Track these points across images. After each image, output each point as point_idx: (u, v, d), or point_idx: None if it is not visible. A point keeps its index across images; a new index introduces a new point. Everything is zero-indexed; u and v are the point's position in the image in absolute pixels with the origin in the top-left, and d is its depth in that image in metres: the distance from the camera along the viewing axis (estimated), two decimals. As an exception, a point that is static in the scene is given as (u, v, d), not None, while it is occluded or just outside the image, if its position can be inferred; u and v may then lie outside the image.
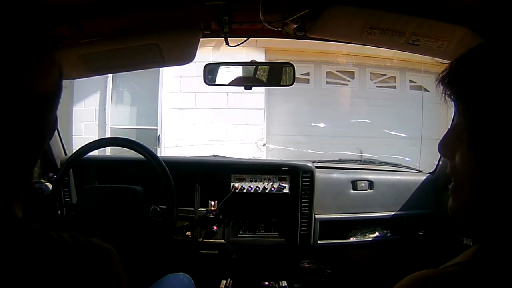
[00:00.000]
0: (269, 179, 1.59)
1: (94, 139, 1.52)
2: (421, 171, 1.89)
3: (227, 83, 1.48)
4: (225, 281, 1.62)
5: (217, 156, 1.91)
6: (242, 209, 1.60)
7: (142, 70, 1.59)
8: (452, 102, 0.46)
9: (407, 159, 3.75)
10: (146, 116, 5.00)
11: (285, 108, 4.92)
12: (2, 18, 0.47)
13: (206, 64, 1.38)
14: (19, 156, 0.49)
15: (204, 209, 1.58)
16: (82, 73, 1.30)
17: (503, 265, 0.40)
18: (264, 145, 4.89)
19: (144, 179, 1.51)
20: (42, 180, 1.69)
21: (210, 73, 1.39)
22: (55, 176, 1.55)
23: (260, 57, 4.50)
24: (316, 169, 1.61)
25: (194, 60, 1.26)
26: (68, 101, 4.74)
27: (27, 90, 0.47)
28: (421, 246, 1.64)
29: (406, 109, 4.82)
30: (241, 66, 1.47)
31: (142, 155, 1.42)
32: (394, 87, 5.16)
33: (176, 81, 4.91)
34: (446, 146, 0.48)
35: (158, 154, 1.48)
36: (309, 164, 1.61)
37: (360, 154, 4.56)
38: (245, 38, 1.24)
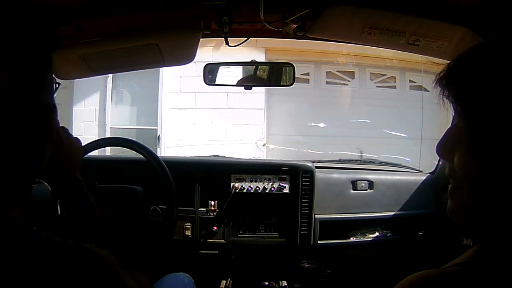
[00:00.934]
0: (269, 179, 1.59)
1: (94, 139, 1.52)
2: (421, 171, 1.89)
3: (227, 83, 1.48)
4: (225, 281, 1.62)
5: (217, 156, 1.91)
6: (242, 209, 1.60)
7: (142, 70, 1.59)
8: (451, 104, 0.46)
9: (407, 159, 3.75)
10: (146, 116, 5.00)
11: (285, 108, 4.92)
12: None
13: (206, 64, 1.38)
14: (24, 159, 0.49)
15: (204, 209, 1.58)
16: (82, 73, 1.30)
17: (503, 265, 0.40)
18: (264, 145, 4.89)
19: (144, 179, 1.51)
20: (42, 180, 1.69)
21: (210, 73, 1.39)
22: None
23: (260, 57, 4.49)
24: (316, 169, 1.61)
25: (194, 60, 1.26)
26: (68, 101, 4.74)
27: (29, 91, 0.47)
28: (421, 246, 1.64)
29: (406, 109, 4.82)
30: (241, 66, 1.47)
31: (142, 155, 1.42)
32: (394, 87, 5.16)
33: (176, 81, 4.91)
34: (444, 148, 0.48)
35: (158, 154, 1.48)
36: (309, 164, 1.61)
37: (360, 154, 4.56)
38: (245, 38, 1.23)
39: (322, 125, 4.94)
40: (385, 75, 5.12)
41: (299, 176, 1.58)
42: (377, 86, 5.14)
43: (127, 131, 4.82)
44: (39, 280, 0.43)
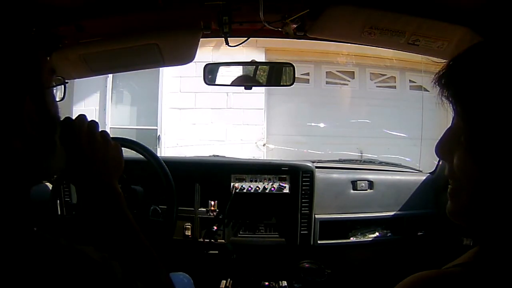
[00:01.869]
0: (269, 179, 1.59)
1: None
2: (421, 171, 1.89)
3: (227, 83, 1.48)
4: (225, 281, 1.62)
5: (217, 156, 1.91)
6: (242, 209, 1.60)
7: (142, 70, 1.59)
8: (450, 104, 0.45)
9: (407, 159, 3.75)
10: (146, 116, 5.00)
11: (285, 108, 4.92)
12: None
13: (206, 64, 1.38)
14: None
15: (204, 209, 1.58)
16: (82, 73, 1.30)
17: (503, 266, 0.40)
18: (264, 145, 4.89)
19: (144, 179, 1.50)
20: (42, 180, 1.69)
21: (210, 73, 1.39)
22: (55, 176, 1.55)
23: (260, 57, 4.49)
24: (316, 169, 1.61)
25: (194, 60, 1.26)
26: (68, 101, 4.74)
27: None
28: (421, 246, 1.64)
29: (406, 109, 4.82)
30: (241, 66, 1.47)
31: (142, 155, 1.42)
32: (394, 87, 5.16)
33: (176, 81, 4.91)
34: (444, 148, 0.48)
35: (158, 154, 1.48)
36: (309, 164, 1.61)
37: (360, 154, 4.56)
38: (245, 38, 1.23)
39: (322, 125, 4.94)
40: (385, 75, 5.12)
41: (299, 176, 1.58)
42: (377, 86, 5.14)
43: (127, 131, 4.82)
44: (39, 281, 0.43)
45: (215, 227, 1.56)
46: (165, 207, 1.41)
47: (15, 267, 0.42)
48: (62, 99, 0.60)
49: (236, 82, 1.50)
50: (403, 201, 1.66)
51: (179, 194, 1.41)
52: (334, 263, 1.65)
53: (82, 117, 0.66)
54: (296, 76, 1.41)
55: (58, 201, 1.52)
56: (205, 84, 1.39)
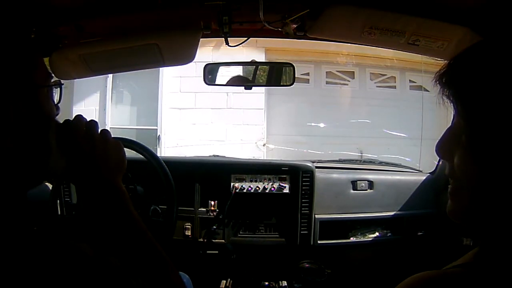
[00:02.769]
0: (269, 179, 1.59)
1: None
2: (421, 171, 1.89)
3: (227, 83, 1.48)
4: (225, 281, 1.62)
5: (217, 156, 1.91)
6: (242, 209, 1.60)
7: (142, 70, 1.59)
8: (450, 103, 0.45)
9: (407, 159, 3.75)
10: (146, 116, 5.00)
11: (285, 108, 4.92)
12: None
13: (206, 64, 1.38)
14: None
15: (204, 209, 1.58)
16: (82, 73, 1.30)
17: (504, 267, 0.40)
18: (264, 145, 4.89)
19: (144, 179, 1.51)
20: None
21: (210, 73, 1.39)
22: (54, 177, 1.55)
23: (260, 57, 4.49)
24: (316, 169, 1.61)
25: (194, 60, 1.26)
26: (68, 101, 4.74)
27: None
28: (421, 246, 1.64)
29: (406, 109, 4.82)
30: (241, 66, 1.47)
31: (142, 155, 1.42)
32: (394, 87, 5.16)
33: (176, 81, 4.91)
34: (444, 148, 0.47)
35: (158, 154, 1.48)
36: (309, 164, 1.61)
37: (360, 154, 4.56)
38: (245, 38, 1.23)
39: (322, 125, 4.94)
40: (385, 75, 5.12)
41: (299, 176, 1.58)
42: (377, 86, 5.14)
43: (127, 131, 4.82)
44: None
45: (215, 227, 1.56)
46: (165, 207, 1.41)
47: (8, 262, 0.42)
48: (59, 101, 0.60)
49: (236, 82, 1.50)
50: (403, 201, 1.66)
51: (179, 194, 1.41)
52: (334, 263, 1.65)
53: (79, 117, 0.66)
54: (296, 76, 1.41)
55: (58, 201, 1.53)
56: (205, 84, 1.39)
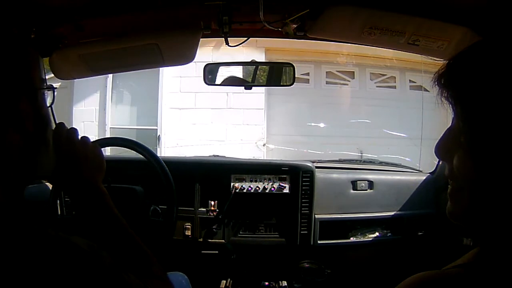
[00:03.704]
0: (269, 179, 1.59)
1: (94, 139, 1.52)
2: (421, 171, 1.89)
3: (227, 83, 1.48)
4: (225, 281, 1.62)
5: (217, 156, 1.91)
6: (242, 209, 1.60)
7: (142, 70, 1.59)
8: (449, 105, 0.45)
9: (407, 159, 3.75)
10: (146, 116, 5.00)
11: (285, 108, 4.92)
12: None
13: (206, 64, 1.38)
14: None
15: (204, 209, 1.58)
16: (82, 73, 1.30)
17: (504, 267, 0.40)
18: (264, 145, 4.89)
19: (144, 179, 1.50)
20: (42, 180, 1.69)
21: (210, 73, 1.39)
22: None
23: (260, 57, 4.50)
24: (316, 169, 1.61)
25: (194, 60, 1.26)
26: (68, 101, 4.74)
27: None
28: (421, 246, 1.64)
29: (406, 109, 4.82)
30: (241, 66, 1.47)
31: (142, 155, 1.42)
32: (394, 87, 5.16)
33: (176, 81, 4.91)
34: (443, 149, 0.47)
35: (158, 154, 1.48)
36: (309, 164, 1.61)
37: (360, 154, 4.56)
38: (245, 38, 1.23)
39: (322, 125, 4.94)
40: (385, 75, 5.12)
41: (299, 176, 1.58)
42: (377, 86, 5.14)
43: (127, 131, 4.82)
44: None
45: (215, 227, 1.56)
46: (165, 207, 1.41)
47: (1, 255, 0.43)
48: (52, 104, 0.64)
49: (236, 82, 1.50)
50: (403, 201, 1.66)
51: (179, 194, 1.41)
52: (334, 263, 1.65)
53: (60, 125, 0.73)
54: (296, 76, 1.41)
55: (58, 201, 1.53)
56: (205, 84, 1.39)
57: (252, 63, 1.41)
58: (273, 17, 1.10)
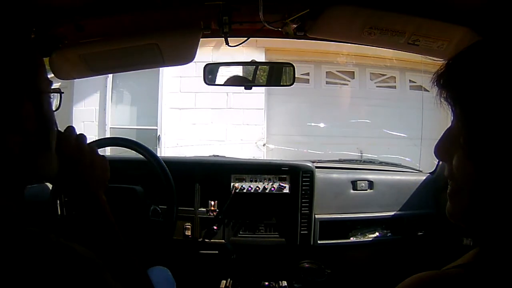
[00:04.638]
0: (269, 179, 1.59)
1: (94, 139, 1.52)
2: (421, 171, 1.89)
3: (227, 83, 1.48)
4: (225, 281, 1.62)
5: (217, 156, 1.91)
6: (242, 209, 1.60)
7: (142, 70, 1.59)
8: (448, 106, 0.45)
9: (407, 159, 3.75)
10: (146, 116, 5.00)
11: (285, 108, 4.92)
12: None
13: (206, 64, 1.38)
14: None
15: (204, 209, 1.58)
16: (82, 73, 1.30)
17: (504, 267, 0.40)
18: (264, 145, 4.89)
19: (144, 179, 1.50)
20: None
21: (210, 73, 1.39)
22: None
23: (260, 57, 4.50)
24: (316, 169, 1.61)
25: (194, 60, 1.26)
26: (68, 101, 4.74)
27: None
28: (421, 246, 1.64)
29: (406, 109, 4.82)
30: (241, 66, 1.47)
31: (142, 155, 1.42)
32: (394, 87, 5.16)
33: (176, 81, 4.91)
34: (442, 150, 0.47)
35: (158, 154, 1.48)
36: (309, 164, 1.61)
37: (360, 154, 4.56)
38: (245, 38, 1.23)
39: (322, 125, 4.94)
40: (385, 75, 5.12)
41: (299, 176, 1.58)
42: (377, 86, 5.14)
43: (127, 131, 4.82)
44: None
45: (215, 227, 1.56)
46: (165, 207, 1.41)
47: (2, 260, 0.43)
48: (58, 108, 0.64)
49: (236, 82, 1.50)
50: (403, 201, 1.66)
51: (179, 194, 1.41)
52: (334, 263, 1.65)
53: (70, 128, 0.72)
54: (296, 76, 1.41)
55: (58, 201, 1.52)
56: (205, 84, 1.39)
57: (252, 63, 1.41)
58: (273, 17, 1.10)
